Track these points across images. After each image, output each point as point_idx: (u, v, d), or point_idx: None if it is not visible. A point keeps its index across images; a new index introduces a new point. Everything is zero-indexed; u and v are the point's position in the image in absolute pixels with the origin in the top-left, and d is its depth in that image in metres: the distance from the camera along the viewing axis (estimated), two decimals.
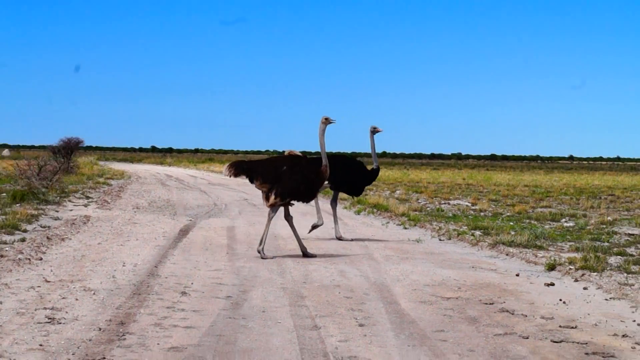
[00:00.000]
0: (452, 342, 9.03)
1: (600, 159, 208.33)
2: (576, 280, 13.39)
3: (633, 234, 19.55)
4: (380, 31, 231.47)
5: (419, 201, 31.11)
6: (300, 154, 16.55)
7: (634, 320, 10.33)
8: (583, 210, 27.62)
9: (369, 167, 19.12)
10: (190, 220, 22.28)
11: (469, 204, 29.73)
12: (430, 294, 11.92)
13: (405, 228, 21.90)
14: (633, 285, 12.41)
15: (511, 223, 22.29)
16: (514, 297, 11.86)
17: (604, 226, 21.71)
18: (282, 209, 15.92)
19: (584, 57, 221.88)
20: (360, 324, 9.79)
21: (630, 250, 16.71)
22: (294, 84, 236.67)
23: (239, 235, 18.98)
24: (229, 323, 9.68)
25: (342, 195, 32.56)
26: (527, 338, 9.30)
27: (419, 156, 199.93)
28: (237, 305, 10.77)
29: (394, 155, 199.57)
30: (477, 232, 19.62)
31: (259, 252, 15.50)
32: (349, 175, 18.72)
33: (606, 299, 11.81)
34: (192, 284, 12.21)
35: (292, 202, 15.98)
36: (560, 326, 9.94)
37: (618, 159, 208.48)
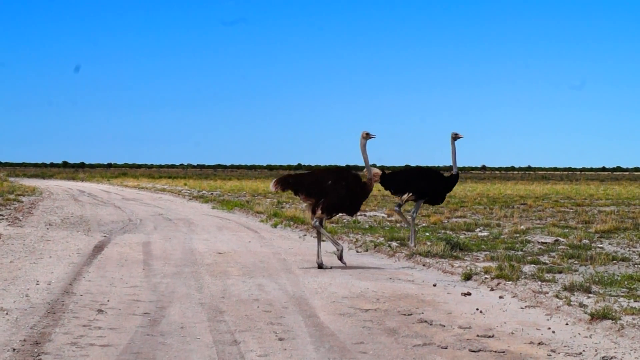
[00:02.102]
0: (371, 354, 9.05)
1: (512, 168, 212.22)
2: (492, 290, 13.56)
3: (546, 243, 19.88)
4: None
5: None
6: (379, 171, 17.47)
7: (549, 328, 10.49)
8: (497, 220, 28.01)
9: (447, 174, 19.34)
10: (105, 236, 21.97)
11: (385, 215, 29.93)
12: (349, 306, 11.94)
13: (323, 240, 21.92)
14: (547, 293, 12.60)
15: (427, 234, 22.47)
16: (432, 307, 11.96)
17: (518, 235, 22.04)
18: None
19: (493, 66, 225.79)
20: (279, 338, 9.75)
21: (544, 258, 16.98)
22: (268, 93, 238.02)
23: (155, 250, 18.77)
24: (146, 340, 9.55)
25: (258, 208, 32.56)
26: (446, 348, 9.37)
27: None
28: (155, 322, 10.63)
29: (310, 168, 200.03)
30: (394, 244, 19.74)
31: (318, 264, 15.99)
32: (430, 185, 18.93)
33: (521, 308, 11.98)
34: (108, 301, 12.03)
35: (337, 214, 16.58)
36: (477, 335, 10.04)
37: (529, 168, 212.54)
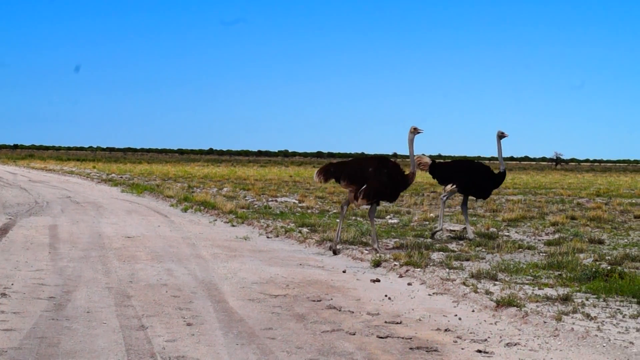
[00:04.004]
0: (280, 340, 9.04)
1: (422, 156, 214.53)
2: (401, 276, 13.67)
3: (454, 230, 20.11)
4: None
5: (247, 198, 31.10)
6: (429, 160, 18.25)
7: (456, 315, 10.61)
8: (407, 207, 28.26)
9: (496, 171, 19.21)
10: (10, 218, 21.52)
11: (296, 201, 29.94)
12: (259, 292, 11.91)
13: (233, 225, 21.85)
14: (454, 280, 12.76)
15: (338, 220, 22.53)
16: (341, 293, 12.00)
17: (427, 223, 22.28)
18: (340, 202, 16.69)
19: (403, 53, 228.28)
20: (188, 323, 9.67)
21: (452, 246, 17.18)
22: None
23: (62, 234, 18.45)
24: (51, 325, 9.38)
25: (168, 192, 32.29)
26: (354, 334, 9.41)
27: (246, 153, 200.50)
28: (61, 306, 10.45)
29: (221, 152, 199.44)
30: (305, 229, 19.76)
31: (375, 249, 16.10)
32: (476, 179, 18.83)
33: (429, 294, 12.10)
34: (12, 284, 11.78)
35: (379, 201, 16.79)
36: (385, 322, 10.11)
37: (439, 156, 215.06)
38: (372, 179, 16.29)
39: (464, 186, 18.82)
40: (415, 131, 16.97)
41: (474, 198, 20.59)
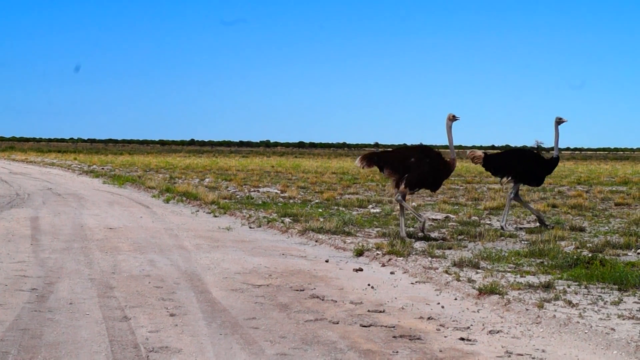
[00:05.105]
0: (264, 329, 9.05)
1: (404, 146, 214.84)
2: (383, 265, 13.70)
3: (436, 219, 20.17)
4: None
5: (229, 189, 31.06)
6: (482, 153, 18.51)
7: (439, 303, 10.65)
8: (389, 197, 28.27)
9: (548, 157, 19.34)
10: None
11: (278, 192, 29.93)
12: (242, 282, 11.91)
13: (215, 216, 21.83)
14: (437, 269, 12.79)
15: (320, 210, 22.56)
16: (324, 283, 12.02)
17: (408, 212, 22.28)
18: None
19: (388, 45, 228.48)
20: (171, 314, 9.67)
21: (434, 234, 17.23)
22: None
23: (43, 225, 18.39)
24: (34, 316, 9.35)
25: (149, 183, 32.24)
26: (337, 323, 9.43)
27: (228, 144, 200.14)
28: (43, 297, 10.43)
29: (203, 143, 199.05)
30: (287, 219, 19.76)
31: (401, 238, 16.17)
32: (528, 167, 18.95)
33: (412, 283, 12.13)
34: None
35: (419, 189, 16.92)
36: (369, 311, 10.13)
37: (421, 146, 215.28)
38: (414, 168, 16.41)
39: (519, 175, 18.94)
40: (453, 118, 17.09)
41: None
